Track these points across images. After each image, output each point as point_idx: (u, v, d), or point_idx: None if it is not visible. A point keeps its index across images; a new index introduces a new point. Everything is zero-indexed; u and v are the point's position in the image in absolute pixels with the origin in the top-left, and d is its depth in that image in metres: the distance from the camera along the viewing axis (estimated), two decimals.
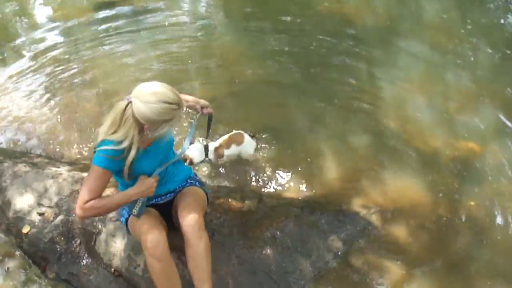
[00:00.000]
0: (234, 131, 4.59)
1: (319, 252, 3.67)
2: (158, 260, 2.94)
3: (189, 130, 3.52)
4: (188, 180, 3.43)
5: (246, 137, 4.50)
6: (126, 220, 3.24)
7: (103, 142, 2.80)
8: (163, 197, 3.33)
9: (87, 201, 2.79)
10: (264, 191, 4.26)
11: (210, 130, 3.90)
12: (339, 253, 3.71)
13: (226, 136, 4.52)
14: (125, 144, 2.77)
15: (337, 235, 3.81)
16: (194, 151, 4.39)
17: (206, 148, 4.40)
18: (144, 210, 3.15)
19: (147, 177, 2.99)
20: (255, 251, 3.56)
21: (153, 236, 2.93)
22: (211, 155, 4.42)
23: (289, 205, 4.03)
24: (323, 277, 3.57)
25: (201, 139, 4.57)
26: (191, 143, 4.33)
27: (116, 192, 3.20)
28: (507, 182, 4.38)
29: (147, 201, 3.15)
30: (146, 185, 2.95)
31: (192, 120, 3.53)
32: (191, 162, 4.33)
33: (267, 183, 4.35)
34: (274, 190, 4.29)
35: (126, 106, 2.73)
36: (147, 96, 2.67)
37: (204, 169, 4.52)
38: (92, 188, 2.80)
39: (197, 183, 3.46)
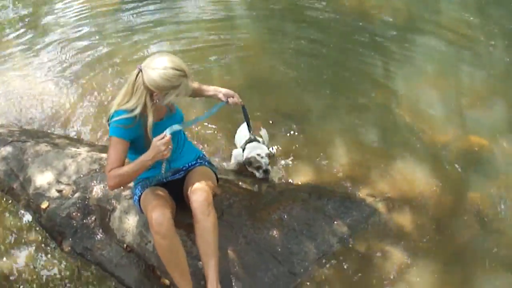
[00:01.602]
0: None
1: (324, 235, 3.76)
2: (163, 237, 3.06)
3: (208, 111, 3.60)
4: (198, 160, 3.56)
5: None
6: (139, 198, 3.37)
7: (116, 113, 2.99)
8: (172, 176, 3.46)
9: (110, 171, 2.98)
10: (274, 177, 4.35)
11: (250, 122, 3.92)
12: (344, 238, 3.80)
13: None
14: (137, 111, 2.95)
15: (343, 220, 3.90)
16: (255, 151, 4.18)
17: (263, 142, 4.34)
18: (153, 189, 3.31)
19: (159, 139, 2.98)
20: (262, 232, 3.67)
21: (158, 214, 3.05)
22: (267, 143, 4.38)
23: (297, 190, 4.14)
24: (327, 259, 3.66)
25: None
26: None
27: None
28: None
29: (157, 179, 3.33)
30: (159, 147, 2.93)
31: (216, 105, 3.57)
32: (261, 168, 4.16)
33: (278, 169, 4.44)
34: (284, 176, 4.39)
35: (137, 74, 2.92)
36: (156, 63, 2.87)
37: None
38: (112, 158, 3.01)
39: (206, 163, 3.59)
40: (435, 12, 7.01)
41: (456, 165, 4.55)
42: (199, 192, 3.18)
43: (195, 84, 3.61)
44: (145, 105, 2.96)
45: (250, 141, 4.26)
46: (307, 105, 5.27)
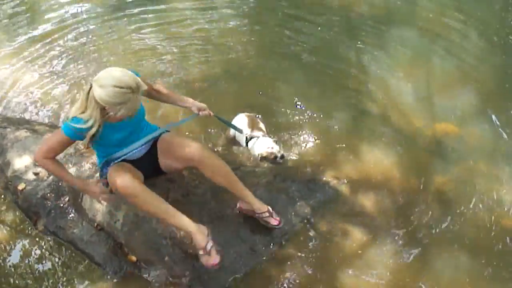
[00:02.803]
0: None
1: (287, 215, 3.88)
2: (134, 196, 3.24)
3: (180, 120, 3.99)
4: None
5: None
6: (106, 176, 3.49)
7: (74, 119, 3.12)
8: (137, 150, 3.56)
9: (45, 156, 3.28)
10: (242, 160, 4.50)
11: (233, 124, 4.30)
12: (306, 218, 3.92)
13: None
14: (90, 123, 3.10)
15: (306, 201, 4.02)
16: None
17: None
18: (118, 164, 3.46)
19: (101, 185, 3.48)
20: (225, 211, 3.82)
21: (123, 178, 3.23)
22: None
23: (263, 173, 4.26)
24: (289, 238, 3.80)
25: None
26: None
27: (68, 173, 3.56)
28: (479, 163, 4.53)
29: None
30: (92, 191, 3.48)
31: (190, 116, 3.91)
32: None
33: (246, 152, 4.54)
34: (252, 159, 4.50)
35: (90, 89, 3.05)
36: (103, 81, 2.97)
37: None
38: (52, 147, 3.29)
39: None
40: (412, 4, 7.08)
41: (423, 150, 4.69)
42: (192, 143, 3.44)
43: (173, 94, 3.86)
44: (96, 118, 3.11)
45: (250, 138, 4.39)
46: (279, 90, 5.39)
